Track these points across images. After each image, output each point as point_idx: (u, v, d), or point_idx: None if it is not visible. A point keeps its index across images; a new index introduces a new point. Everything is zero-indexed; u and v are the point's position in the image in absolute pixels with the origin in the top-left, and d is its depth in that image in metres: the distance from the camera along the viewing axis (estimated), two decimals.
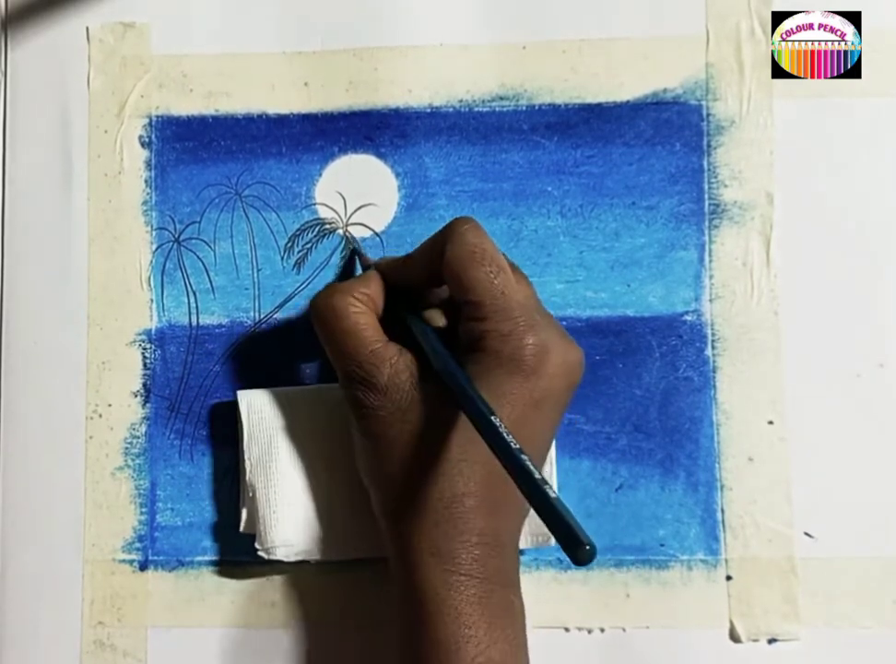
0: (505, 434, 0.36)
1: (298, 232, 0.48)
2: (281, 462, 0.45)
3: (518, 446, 0.36)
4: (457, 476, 0.40)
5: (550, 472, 0.45)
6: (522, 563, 0.46)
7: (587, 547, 0.31)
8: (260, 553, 0.45)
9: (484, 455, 0.38)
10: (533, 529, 0.45)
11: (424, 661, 0.39)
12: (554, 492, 0.34)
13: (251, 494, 0.46)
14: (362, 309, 0.42)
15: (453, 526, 0.39)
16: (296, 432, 0.46)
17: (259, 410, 0.46)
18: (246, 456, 0.46)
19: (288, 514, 0.45)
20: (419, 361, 0.41)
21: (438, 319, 0.44)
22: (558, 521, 0.33)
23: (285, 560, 0.45)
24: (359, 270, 0.48)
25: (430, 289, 0.44)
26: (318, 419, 0.46)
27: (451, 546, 0.39)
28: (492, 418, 0.37)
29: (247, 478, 0.46)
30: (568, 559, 0.32)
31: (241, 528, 0.46)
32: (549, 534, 0.45)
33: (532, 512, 0.44)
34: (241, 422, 0.46)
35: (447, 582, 0.39)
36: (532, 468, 0.35)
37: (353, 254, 0.48)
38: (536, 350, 0.40)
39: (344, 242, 0.48)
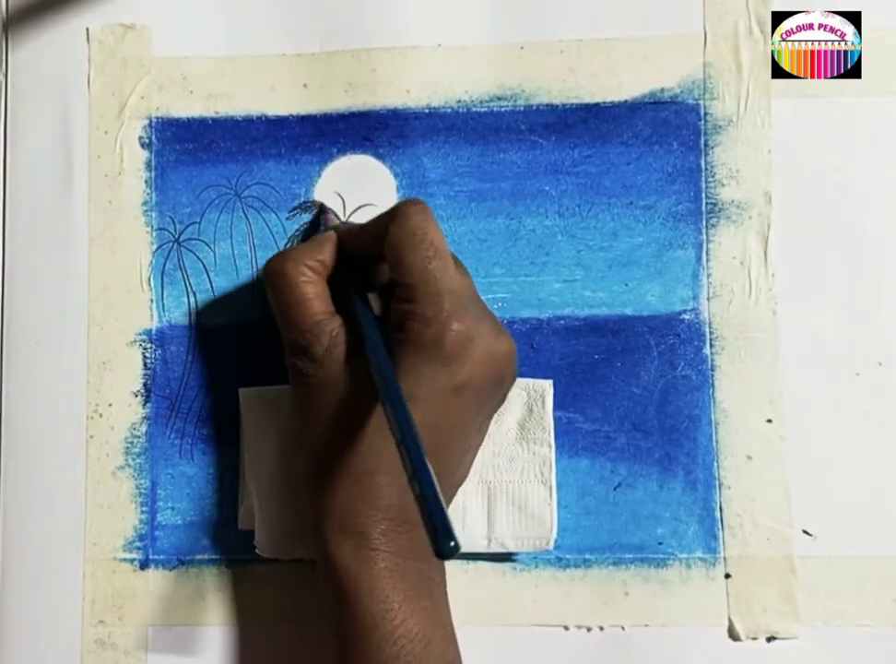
0: (403, 411, 0.36)
1: (297, 233, 0.49)
2: (281, 460, 0.46)
3: (414, 429, 0.36)
4: (370, 452, 0.40)
5: (549, 471, 0.46)
6: (520, 562, 0.46)
7: (452, 543, 0.32)
8: (258, 551, 0.45)
9: None
10: (530, 533, 0.45)
11: (347, 637, 0.39)
12: (436, 484, 0.34)
13: (250, 491, 0.46)
14: (312, 278, 0.42)
15: (361, 500, 0.40)
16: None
17: (260, 408, 0.46)
18: (246, 454, 0.46)
19: (286, 512, 0.45)
20: (359, 337, 0.42)
21: (375, 301, 0.44)
22: (435, 510, 0.33)
23: (282, 558, 0.45)
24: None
25: (382, 263, 0.44)
26: None
27: (358, 520, 0.40)
28: (396, 392, 0.37)
29: (247, 475, 0.46)
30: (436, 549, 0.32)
31: (239, 525, 0.46)
32: (546, 537, 0.45)
33: (525, 517, 0.45)
34: (242, 420, 0.46)
35: (357, 556, 0.40)
36: (423, 452, 0.35)
37: (321, 212, 0.48)
38: (458, 337, 0.40)
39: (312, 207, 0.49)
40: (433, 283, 0.40)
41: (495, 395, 0.43)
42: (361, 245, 0.43)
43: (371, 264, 0.44)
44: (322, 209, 0.48)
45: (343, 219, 0.48)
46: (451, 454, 0.42)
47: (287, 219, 0.49)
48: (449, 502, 0.43)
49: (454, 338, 0.40)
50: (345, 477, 0.40)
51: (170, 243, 0.49)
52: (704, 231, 0.48)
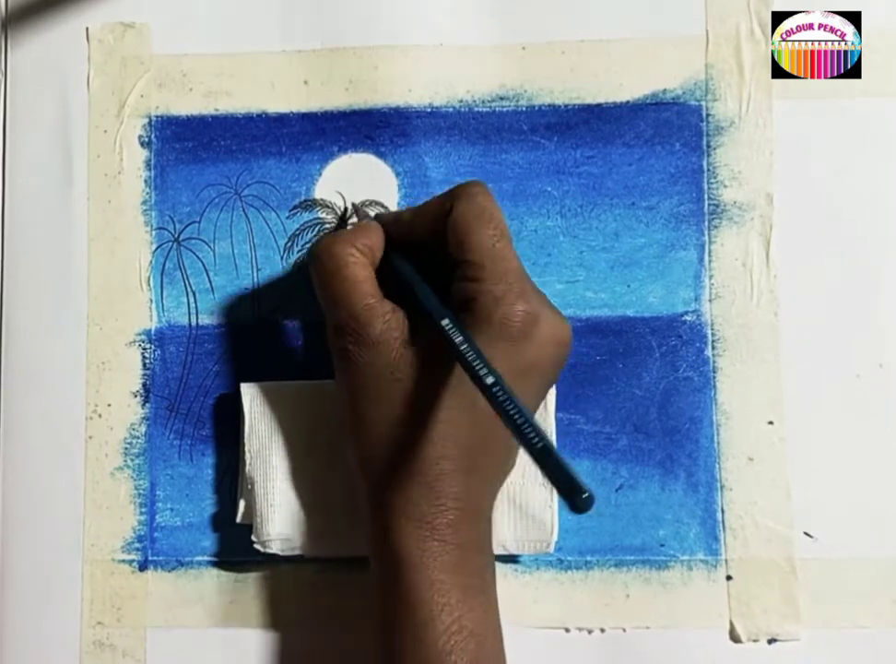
0: (504, 385, 0.36)
1: (297, 232, 0.48)
2: (281, 456, 0.46)
3: (517, 399, 0.36)
4: (437, 438, 0.40)
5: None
6: (521, 564, 0.46)
7: (585, 495, 0.32)
8: (256, 546, 0.45)
9: (466, 419, 0.38)
10: (531, 536, 0.45)
11: (399, 630, 0.39)
12: (553, 444, 0.34)
13: (249, 487, 0.46)
14: (362, 261, 0.42)
15: (428, 488, 0.39)
16: (297, 426, 0.46)
17: (261, 404, 0.46)
18: (246, 449, 0.46)
19: (285, 507, 0.45)
20: (411, 321, 0.41)
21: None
22: (558, 469, 0.33)
23: (280, 554, 0.45)
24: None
25: (428, 247, 0.44)
26: (319, 414, 0.46)
27: (425, 509, 0.39)
28: (493, 371, 0.37)
29: (246, 470, 0.46)
30: (570, 509, 0.32)
31: (238, 519, 0.46)
32: (546, 540, 0.45)
33: (526, 519, 0.45)
34: (242, 415, 0.46)
35: (421, 548, 0.39)
36: (531, 417, 0.35)
37: (353, 210, 0.48)
38: (525, 317, 0.40)
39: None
40: (501, 262, 0.40)
41: (552, 379, 0.43)
42: (410, 230, 0.43)
43: (417, 250, 0.44)
44: (356, 208, 0.48)
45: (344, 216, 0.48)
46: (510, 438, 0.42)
47: (287, 217, 0.48)
48: (496, 492, 0.43)
49: (523, 318, 0.40)
50: (410, 465, 0.39)
51: (170, 243, 0.49)
52: (706, 232, 0.48)
